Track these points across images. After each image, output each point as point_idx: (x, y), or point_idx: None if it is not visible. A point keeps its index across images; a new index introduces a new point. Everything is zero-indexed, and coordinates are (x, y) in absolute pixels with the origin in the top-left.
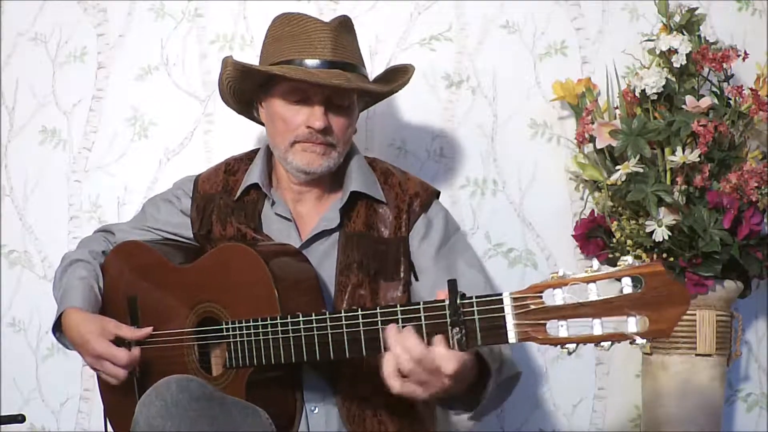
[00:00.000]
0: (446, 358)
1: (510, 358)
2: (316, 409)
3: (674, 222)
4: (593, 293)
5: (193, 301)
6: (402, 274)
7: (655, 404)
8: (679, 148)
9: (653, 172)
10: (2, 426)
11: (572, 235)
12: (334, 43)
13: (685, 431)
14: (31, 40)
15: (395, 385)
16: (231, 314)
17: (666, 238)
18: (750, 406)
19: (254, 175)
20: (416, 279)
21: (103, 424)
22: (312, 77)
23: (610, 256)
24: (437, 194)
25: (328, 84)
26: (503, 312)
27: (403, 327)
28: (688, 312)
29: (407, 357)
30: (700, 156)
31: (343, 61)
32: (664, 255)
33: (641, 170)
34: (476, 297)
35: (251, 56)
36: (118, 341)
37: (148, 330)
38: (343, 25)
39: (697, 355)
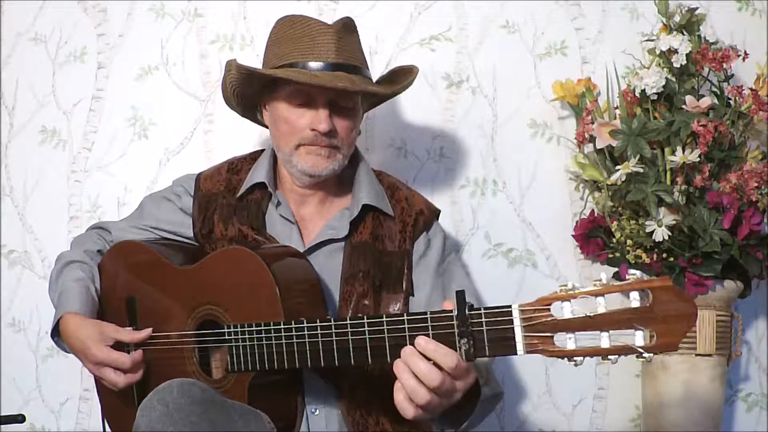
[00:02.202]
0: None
1: (494, 377)
2: (317, 411)
3: (674, 222)
4: (601, 306)
5: (193, 304)
6: (404, 287)
7: (655, 404)
8: (679, 148)
9: (653, 172)
10: (2, 426)
11: (572, 235)
12: (338, 46)
13: (685, 431)
14: (31, 40)
15: (409, 413)
16: (232, 317)
17: (666, 238)
18: (750, 406)
19: (260, 173)
20: (412, 294)
21: (101, 424)
22: (316, 80)
23: (610, 256)
24: (438, 214)
25: (332, 87)
26: (512, 324)
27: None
28: None
29: (427, 385)
30: (700, 156)
31: (346, 63)
32: (664, 255)
33: (641, 170)
34: (485, 308)
35: (251, 56)
36: (118, 345)
37: (148, 332)
38: (346, 27)
39: (697, 355)
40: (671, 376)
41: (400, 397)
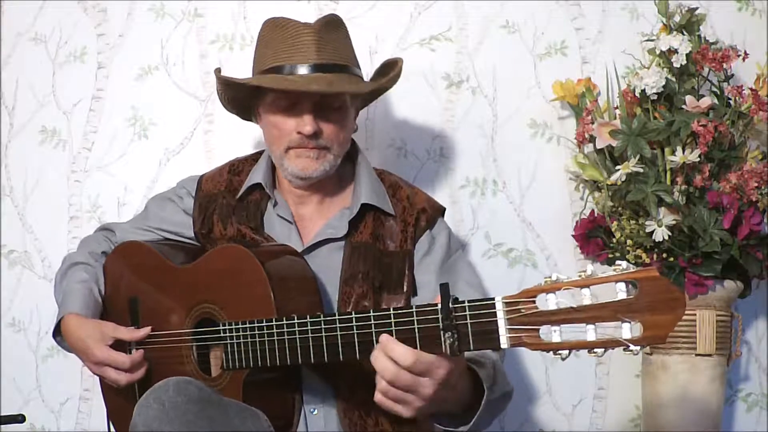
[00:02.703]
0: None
1: (503, 375)
2: (315, 410)
3: (674, 222)
4: (587, 298)
5: (191, 302)
6: (405, 288)
7: (655, 404)
8: (679, 148)
9: (653, 172)
10: (2, 426)
11: (572, 235)
12: (318, 46)
13: (685, 431)
14: (31, 40)
15: (376, 397)
16: (228, 315)
17: (666, 238)
18: (750, 406)
19: (258, 174)
20: (415, 294)
21: (105, 424)
22: (291, 86)
23: (610, 256)
24: (443, 212)
25: (307, 91)
26: (495, 317)
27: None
28: (688, 312)
29: (383, 379)
30: (700, 156)
31: (328, 63)
32: (664, 255)
33: (641, 170)
34: (468, 301)
35: (251, 56)
36: (118, 344)
37: (146, 330)
38: (329, 25)
39: (697, 355)
40: (671, 376)
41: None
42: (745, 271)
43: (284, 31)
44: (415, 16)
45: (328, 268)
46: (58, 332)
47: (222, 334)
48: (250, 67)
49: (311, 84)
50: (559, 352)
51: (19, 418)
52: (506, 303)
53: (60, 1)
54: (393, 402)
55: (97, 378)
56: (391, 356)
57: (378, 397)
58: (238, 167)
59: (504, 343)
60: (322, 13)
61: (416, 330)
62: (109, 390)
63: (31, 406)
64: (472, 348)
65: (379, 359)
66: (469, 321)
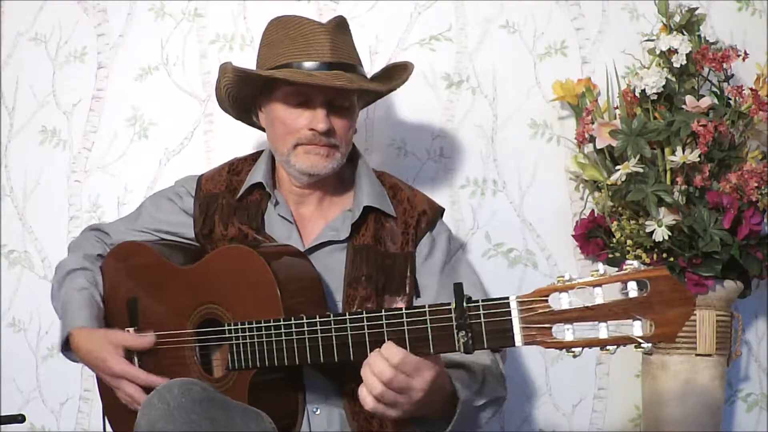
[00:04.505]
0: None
1: (496, 379)
2: (318, 410)
3: (674, 222)
4: (599, 297)
5: (194, 303)
6: (407, 289)
7: (655, 404)
8: (679, 148)
9: (653, 172)
10: (2, 426)
11: (572, 235)
12: (332, 44)
13: (685, 431)
14: (31, 40)
15: (368, 404)
16: (233, 316)
17: (666, 238)
18: (750, 406)
19: (258, 174)
20: (418, 296)
21: (102, 424)
22: (314, 80)
23: (610, 256)
24: (442, 212)
25: (330, 85)
26: (510, 315)
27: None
28: None
29: (377, 380)
30: (700, 156)
31: (341, 61)
32: (664, 255)
33: (641, 170)
34: (482, 300)
35: (251, 56)
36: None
37: (152, 337)
38: (340, 26)
39: (697, 355)
40: (671, 376)
41: (362, 390)
42: (745, 271)
43: (298, 29)
44: (415, 16)
45: (330, 268)
46: (65, 345)
47: (228, 335)
48: (250, 67)
49: (333, 79)
50: (572, 349)
51: (19, 418)
52: (520, 302)
53: (60, 1)
54: (385, 406)
55: (95, 378)
56: (382, 355)
57: (371, 404)
58: (238, 167)
59: (518, 341)
60: (322, 13)
61: (429, 329)
62: (106, 389)
63: (31, 406)
64: (486, 346)
65: (375, 359)
66: (483, 320)
